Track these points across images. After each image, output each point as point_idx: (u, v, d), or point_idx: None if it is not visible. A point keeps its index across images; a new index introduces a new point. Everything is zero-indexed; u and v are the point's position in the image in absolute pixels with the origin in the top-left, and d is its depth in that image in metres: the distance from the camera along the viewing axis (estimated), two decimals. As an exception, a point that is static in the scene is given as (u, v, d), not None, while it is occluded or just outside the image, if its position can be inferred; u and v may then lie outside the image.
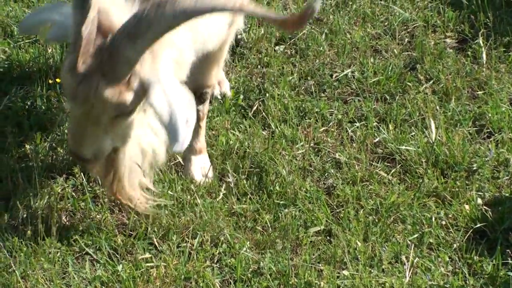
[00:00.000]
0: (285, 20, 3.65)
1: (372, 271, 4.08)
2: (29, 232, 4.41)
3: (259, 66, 5.76)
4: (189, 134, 3.90)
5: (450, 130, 5.10)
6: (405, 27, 5.98)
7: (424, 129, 5.10)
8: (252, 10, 3.73)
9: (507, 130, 5.16)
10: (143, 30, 3.65)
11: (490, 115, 5.25)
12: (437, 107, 5.24)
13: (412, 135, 5.03)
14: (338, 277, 4.08)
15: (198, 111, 4.76)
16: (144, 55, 3.85)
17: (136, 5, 4.05)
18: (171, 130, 3.89)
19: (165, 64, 4.00)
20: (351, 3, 6.37)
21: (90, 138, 4.25)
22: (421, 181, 4.81)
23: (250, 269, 4.21)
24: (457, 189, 4.73)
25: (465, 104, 5.37)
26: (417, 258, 4.20)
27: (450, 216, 4.48)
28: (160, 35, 3.77)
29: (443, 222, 4.51)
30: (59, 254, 4.31)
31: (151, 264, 4.30)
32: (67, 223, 4.55)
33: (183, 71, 4.50)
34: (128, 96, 3.97)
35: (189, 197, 4.73)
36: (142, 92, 4.00)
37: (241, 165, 4.91)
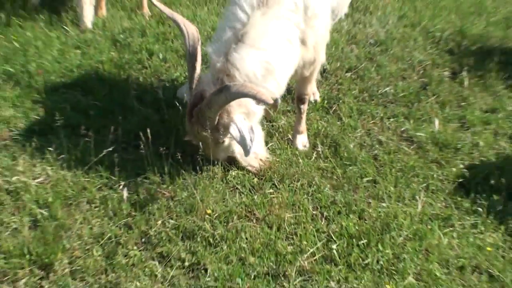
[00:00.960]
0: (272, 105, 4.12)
1: (399, 204, 4.21)
2: (204, 174, 4.39)
3: (336, 84, 5.78)
4: (252, 146, 4.18)
5: (445, 124, 5.17)
6: (420, 64, 5.99)
7: (430, 123, 5.18)
8: (265, 99, 3.98)
9: (478, 125, 5.19)
10: (213, 104, 3.96)
11: (468, 116, 5.26)
12: (438, 111, 5.28)
13: (423, 126, 5.11)
14: (379, 206, 4.18)
15: (300, 108, 5.01)
16: (222, 113, 4.18)
17: (215, 85, 4.31)
18: (242, 145, 4.17)
19: (237, 115, 4.20)
20: (391, 51, 6.36)
21: (214, 152, 4.48)
22: (424, 151, 4.91)
23: (330, 201, 4.27)
24: (449, 158, 4.77)
25: (455, 109, 5.39)
26: (425, 198, 4.28)
27: (444, 173, 4.59)
28: (221, 107, 4.10)
29: (440, 177, 4.60)
30: (221, 188, 4.34)
31: (273, 195, 4.30)
32: (227, 168, 4.59)
33: (280, 88, 4.58)
34: (217, 135, 4.26)
35: (295, 158, 4.71)
36: (226, 130, 4.25)
37: (325, 141, 4.93)
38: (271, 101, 4.06)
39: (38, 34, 6.05)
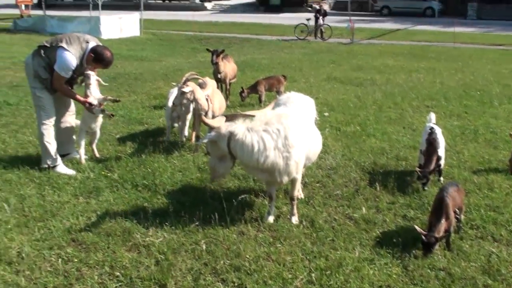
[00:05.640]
0: None
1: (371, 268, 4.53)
2: (254, 234, 4.99)
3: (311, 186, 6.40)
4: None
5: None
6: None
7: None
8: None
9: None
10: None
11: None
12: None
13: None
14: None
15: (292, 202, 5.39)
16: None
17: None
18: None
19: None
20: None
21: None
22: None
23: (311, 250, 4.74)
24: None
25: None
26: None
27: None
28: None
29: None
30: (251, 243, 4.87)
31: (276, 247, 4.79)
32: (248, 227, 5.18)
33: None
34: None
35: (288, 226, 5.25)
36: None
37: (306, 219, 5.44)
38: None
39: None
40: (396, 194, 6.33)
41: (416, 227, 4.79)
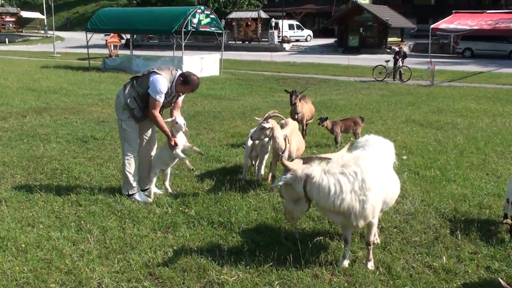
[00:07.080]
0: None
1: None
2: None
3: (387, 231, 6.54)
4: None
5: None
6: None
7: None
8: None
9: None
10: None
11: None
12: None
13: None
14: None
15: (368, 248, 5.33)
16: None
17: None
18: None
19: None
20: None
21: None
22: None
23: None
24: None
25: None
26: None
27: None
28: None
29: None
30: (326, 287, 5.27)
31: None
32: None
33: None
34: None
35: (364, 271, 5.27)
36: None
37: (383, 265, 5.49)
38: None
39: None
40: (479, 244, 6.21)
41: (501, 280, 4.50)
